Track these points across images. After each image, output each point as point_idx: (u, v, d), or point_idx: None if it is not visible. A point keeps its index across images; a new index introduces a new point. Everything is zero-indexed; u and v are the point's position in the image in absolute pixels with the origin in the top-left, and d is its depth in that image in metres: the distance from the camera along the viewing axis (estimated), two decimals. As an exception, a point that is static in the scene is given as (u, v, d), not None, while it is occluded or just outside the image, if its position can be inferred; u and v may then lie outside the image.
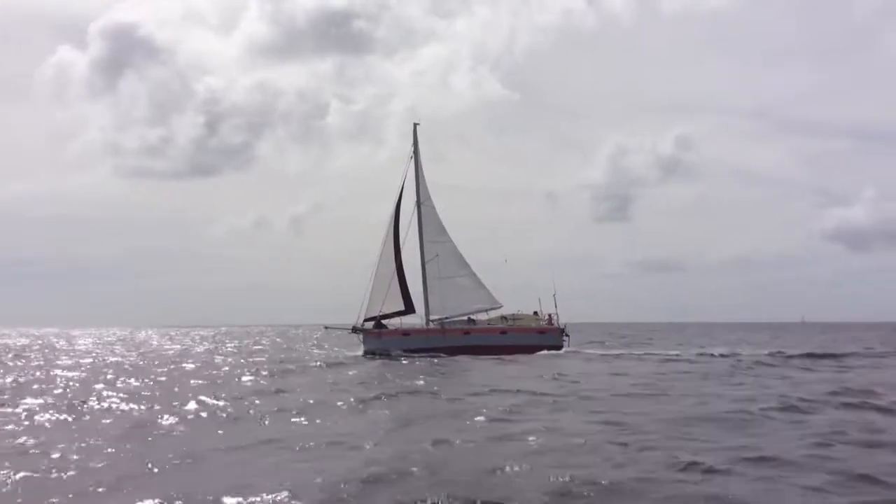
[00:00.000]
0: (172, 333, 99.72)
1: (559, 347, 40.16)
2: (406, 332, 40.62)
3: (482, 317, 41.45)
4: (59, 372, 28.38)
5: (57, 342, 67.24)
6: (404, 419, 15.08)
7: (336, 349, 46.29)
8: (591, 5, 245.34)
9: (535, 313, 41.57)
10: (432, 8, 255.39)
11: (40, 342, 68.66)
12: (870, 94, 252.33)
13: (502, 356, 36.02)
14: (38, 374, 27.80)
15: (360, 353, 39.87)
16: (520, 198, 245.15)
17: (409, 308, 41.11)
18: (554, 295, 40.75)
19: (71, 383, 23.54)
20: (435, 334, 40.02)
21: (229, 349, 50.33)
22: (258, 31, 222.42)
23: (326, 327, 43.51)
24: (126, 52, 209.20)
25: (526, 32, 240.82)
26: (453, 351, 38.21)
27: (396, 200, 42.18)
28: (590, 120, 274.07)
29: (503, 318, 41.24)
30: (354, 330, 40.52)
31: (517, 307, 42.31)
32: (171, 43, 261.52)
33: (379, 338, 40.11)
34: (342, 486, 9.30)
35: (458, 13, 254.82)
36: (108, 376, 26.05)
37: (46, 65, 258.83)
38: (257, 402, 18.02)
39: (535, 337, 40.27)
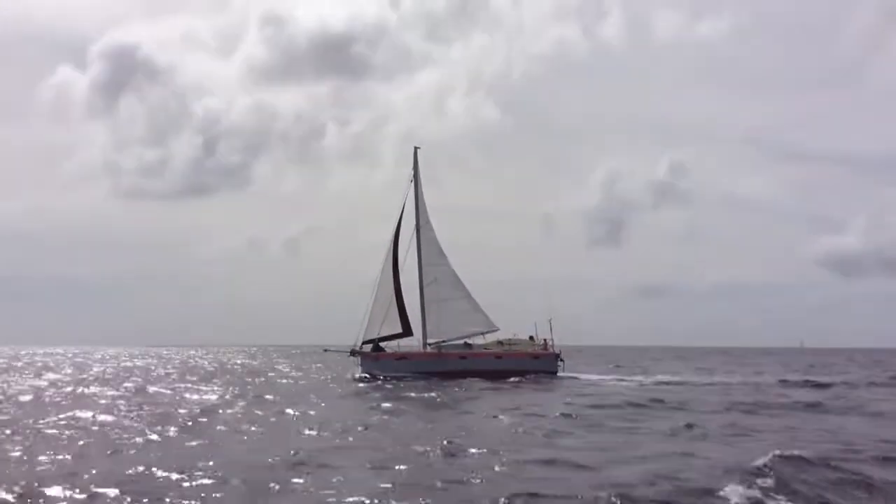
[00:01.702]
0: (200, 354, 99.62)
1: (554, 373, 40.79)
2: (403, 356, 41.28)
3: (479, 340, 42.12)
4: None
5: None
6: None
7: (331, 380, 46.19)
8: (584, 34, 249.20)
9: (531, 338, 42.19)
10: (429, 34, 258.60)
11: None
12: (860, 122, 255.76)
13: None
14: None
15: (358, 374, 40.69)
16: (514, 220, 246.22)
17: (406, 331, 41.73)
18: (550, 320, 41.44)
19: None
20: (431, 358, 40.64)
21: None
22: (257, 54, 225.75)
23: (325, 350, 44.20)
24: (126, 73, 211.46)
25: (521, 59, 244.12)
26: (449, 375, 38.71)
27: (396, 223, 42.82)
28: (584, 145, 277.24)
29: (499, 342, 41.84)
30: (353, 353, 41.22)
31: (513, 330, 42.98)
32: (171, 65, 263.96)
33: (376, 361, 40.77)
34: None
35: (455, 40, 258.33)
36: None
37: (46, 84, 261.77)
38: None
39: (530, 362, 40.90)
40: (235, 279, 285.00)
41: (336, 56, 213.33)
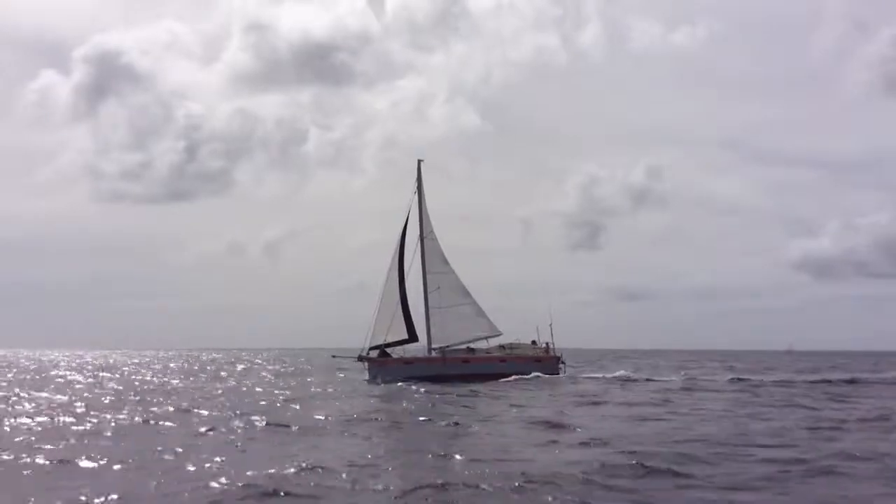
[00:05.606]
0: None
1: (555, 375, 41.99)
2: (409, 361, 42.60)
3: (482, 345, 43.40)
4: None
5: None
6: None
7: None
8: (563, 42, 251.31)
9: (533, 342, 43.42)
10: (411, 42, 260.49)
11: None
12: (834, 126, 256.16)
13: None
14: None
15: (365, 378, 42.11)
16: (494, 225, 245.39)
17: (412, 337, 43.05)
18: (550, 325, 42.68)
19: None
20: (436, 363, 41.97)
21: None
22: (240, 61, 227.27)
23: (334, 356, 45.52)
24: (108, 77, 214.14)
25: (501, 66, 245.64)
26: (453, 379, 39.96)
27: (401, 233, 44.11)
28: (562, 150, 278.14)
29: (501, 346, 43.12)
30: (360, 358, 42.64)
31: (514, 335, 44.17)
32: (154, 70, 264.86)
33: (383, 366, 42.11)
34: None
35: (436, 48, 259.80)
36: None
37: (28, 88, 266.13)
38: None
39: (532, 365, 42.12)
40: (215, 283, 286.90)
41: (319, 63, 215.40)
